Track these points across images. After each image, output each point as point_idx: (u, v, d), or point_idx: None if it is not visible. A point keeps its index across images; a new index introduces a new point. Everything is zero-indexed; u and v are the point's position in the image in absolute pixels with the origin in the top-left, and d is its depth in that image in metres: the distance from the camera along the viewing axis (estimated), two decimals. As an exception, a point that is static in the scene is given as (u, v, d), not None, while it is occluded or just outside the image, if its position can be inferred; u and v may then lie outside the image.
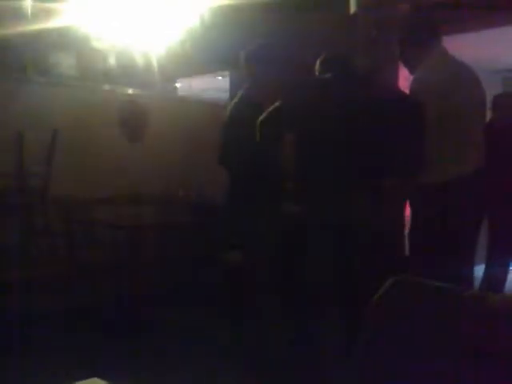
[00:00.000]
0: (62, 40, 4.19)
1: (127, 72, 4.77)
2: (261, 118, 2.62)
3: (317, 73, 2.83)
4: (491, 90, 4.39)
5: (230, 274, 3.25)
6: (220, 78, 7.50)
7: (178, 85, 6.45)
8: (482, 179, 2.77)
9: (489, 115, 4.40)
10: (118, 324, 3.74)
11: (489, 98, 4.28)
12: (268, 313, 3.25)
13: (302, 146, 2.54)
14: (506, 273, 4.41)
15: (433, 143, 2.55)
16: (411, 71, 2.80)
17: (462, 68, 2.74)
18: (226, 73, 6.61)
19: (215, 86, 8.04)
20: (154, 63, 4.66)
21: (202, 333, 3.65)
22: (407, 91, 2.80)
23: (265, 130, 2.62)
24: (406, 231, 2.86)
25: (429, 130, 2.53)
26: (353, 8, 3.84)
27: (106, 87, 4.67)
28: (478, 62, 3.07)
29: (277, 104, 2.60)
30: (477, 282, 4.48)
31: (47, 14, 3.82)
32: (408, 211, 2.86)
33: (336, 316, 2.66)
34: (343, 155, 2.49)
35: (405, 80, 3.31)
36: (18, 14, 3.89)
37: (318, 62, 2.82)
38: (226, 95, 6.65)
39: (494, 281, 4.39)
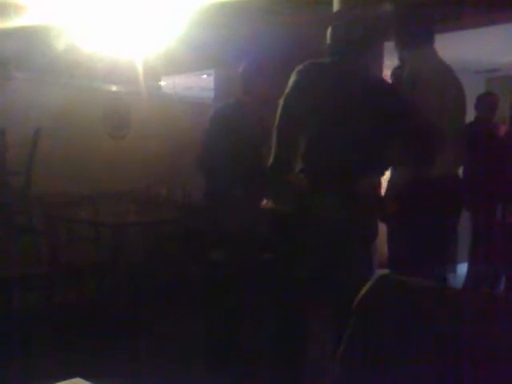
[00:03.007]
0: (46, 37, 4.15)
1: (111, 70, 4.74)
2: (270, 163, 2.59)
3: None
4: (474, 90, 4.44)
5: (213, 273, 3.24)
6: (205, 76, 7.49)
7: (162, 83, 6.42)
8: (459, 180, 2.80)
9: (473, 114, 4.46)
10: (101, 323, 3.72)
11: (472, 99, 4.33)
12: (252, 311, 3.26)
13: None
14: (488, 270, 4.46)
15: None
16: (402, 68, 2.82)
17: (445, 71, 2.76)
18: (211, 71, 6.60)
19: (200, 84, 8.03)
20: (139, 61, 4.64)
21: (184, 333, 3.65)
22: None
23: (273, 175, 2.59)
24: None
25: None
26: (336, 6, 3.85)
27: (90, 85, 4.64)
28: (462, 63, 3.09)
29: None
30: (460, 280, 4.54)
31: (31, 10, 3.78)
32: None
33: (321, 314, 2.66)
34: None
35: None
36: (1, 10, 3.84)
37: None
38: (210, 94, 6.64)
39: (476, 278, 4.44)
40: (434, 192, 2.57)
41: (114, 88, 4.80)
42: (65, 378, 1.24)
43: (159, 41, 4.43)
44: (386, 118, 2.44)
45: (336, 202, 2.38)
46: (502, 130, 4.57)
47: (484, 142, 4.18)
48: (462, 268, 4.57)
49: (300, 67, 2.49)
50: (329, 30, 2.58)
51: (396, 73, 3.05)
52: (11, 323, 3.38)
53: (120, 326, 3.73)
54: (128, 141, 4.75)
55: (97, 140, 4.48)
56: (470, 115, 4.15)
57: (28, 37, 4.04)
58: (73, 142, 4.23)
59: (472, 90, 3.57)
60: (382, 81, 2.74)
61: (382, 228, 2.67)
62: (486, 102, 4.49)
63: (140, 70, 4.70)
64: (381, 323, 1.41)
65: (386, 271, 2.57)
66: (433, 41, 2.73)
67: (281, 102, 2.49)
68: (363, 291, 1.42)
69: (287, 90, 2.48)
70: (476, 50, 5.07)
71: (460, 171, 3.08)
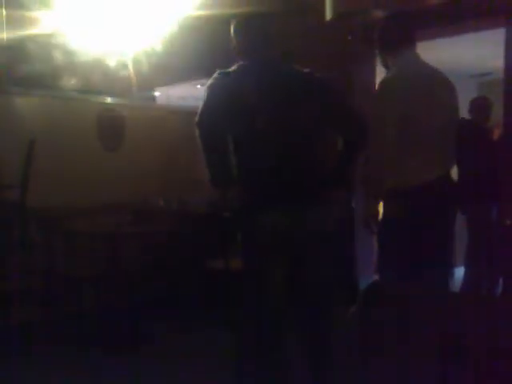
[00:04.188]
0: (38, 49, 4.15)
1: (105, 81, 4.74)
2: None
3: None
4: (466, 94, 4.46)
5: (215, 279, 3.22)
6: (199, 86, 7.48)
7: (156, 93, 6.42)
8: (449, 183, 2.80)
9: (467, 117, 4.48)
10: (100, 335, 3.70)
11: (465, 103, 4.35)
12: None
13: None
14: (484, 274, 4.45)
15: (397, 147, 2.57)
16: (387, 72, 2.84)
17: (431, 73, 2.78)
18: (205, 81, 6.60)
19: (194, 94, 8.01)
20: (132, 72, 4.65)
21: (184, 343, 3.64)
22: None
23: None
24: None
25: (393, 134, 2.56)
26: (329, 15, 3.87)
27: (84, 97, 4.63)
28: (454, 67, 3.11)
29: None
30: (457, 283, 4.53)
31: (22, 22, 3.78)
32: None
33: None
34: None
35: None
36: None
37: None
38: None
39: (474, 281, 4.43)
40: (424, 193, 2.58)
41: (107, 99, 4.79)
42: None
43: (152, 51, 4.45)
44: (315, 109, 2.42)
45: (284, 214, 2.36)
46: (496, 132, 4.59)
47: (477, 144, 4.19)
48: (460, 271, 4.57)
49: (210, 81, 2.48)
50: (237, 28, 2.54)
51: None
52: (9, 337, 3.36)
53: (120, 337, 3.72)
54: (123, 151, 4.75)
55: (91, 152, 4.47)
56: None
57: (20, 48, 4.04)
58: (67, 154, 4.22)
59: (465, 94, 3.58)
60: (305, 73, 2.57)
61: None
62: (479, 105, 4.52)
63: (133, 80, 4.71)
64: (377, 328, 1.41)
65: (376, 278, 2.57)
66: (414, 45, 2.76)
67: (197, 118, 2.48)
68: (358, 301, 1.42)
69: (202, 107, 2.45)
70: (468, 55, 5.10)
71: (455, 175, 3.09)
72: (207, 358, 3.29)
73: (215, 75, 2.49)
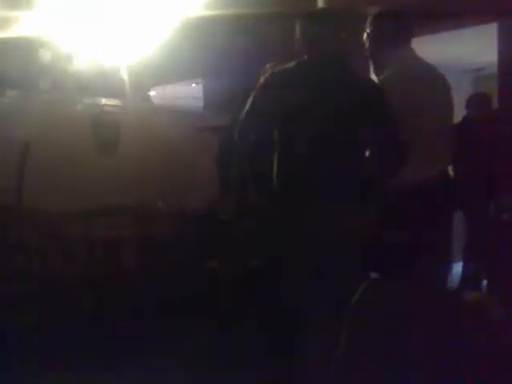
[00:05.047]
0: (31, 51, 4.13)
1: (99, 82, 4.72)
2: None
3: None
4: (462, 90, 4.47)
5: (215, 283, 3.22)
6: (194, 85, 7.48)
7: (151, 93, 6.40)
8: (448, 180, 2.80)
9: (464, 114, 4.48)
10: (99, 340, 3.68)
11: (459, 98, 4.35)
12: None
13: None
14: (482, 270, 4.45)
15: None
16: (377, 72, 2.82)
17: (428, 69, 2.77)
18: (199, 80, 6.59)
19: (189, 93, 8.01)
20: (127, 72, 4.63)
21: (187, 347, 3.62)
22: None
23: None
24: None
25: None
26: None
27: (78, 98, 4.61)
28: (449, 63, 3.11)
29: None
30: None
31: (14, 23, 3.76)
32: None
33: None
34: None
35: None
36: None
37: None
38: (200, 102, 6.63)
39: (470, 278, 4.43)
40: (422, 191, 2.58)
41: (103, 101, 4.77)
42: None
43: (147, 51, 4.43)
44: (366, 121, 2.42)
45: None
46: (492, 127, 4.59)
47: (474, 141, 4.20)
48: (457, 267, 4.57)
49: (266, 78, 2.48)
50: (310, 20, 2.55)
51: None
52: (5, 342, 3.34)
53: (119, 343, 3.69)
54: (119, 153, 4.72)
55: (86, 154, 4.44)
56: (459, 115, 4.16)
57: (12, 51, 4.03)
58: (62, 157, 4.20)
59: (459, 89, 3.59)
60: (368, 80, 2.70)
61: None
62: (477, 101, 4.52)
63: (128, 81, 4.69)
64: (376, 325, 1.40)
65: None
66: (410, 41, 2.75)
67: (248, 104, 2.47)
68: (354, 298, 1.42)
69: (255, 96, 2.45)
70: (464, 50, 5.09)
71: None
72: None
73: (269, 71, 2.49)
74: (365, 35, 2.82)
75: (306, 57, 2.50)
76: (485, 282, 4.44)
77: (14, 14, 3.69)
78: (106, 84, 4.72)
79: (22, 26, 3.74)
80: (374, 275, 2.52)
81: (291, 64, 2.49)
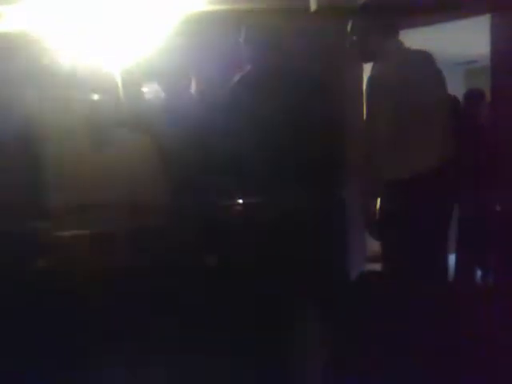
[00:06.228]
0: (22, 47, 4.12)
1: (91, 78, 4.71)
2: None
3: None
4: (453, 83, 4.48)
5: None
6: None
7: (144, 89, 6.38)
8: (446, 173, 2.81)
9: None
10: (101, 341, 3.67)
11: (450, 91, 4.36)
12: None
13: None
14: (475, 262, 4.48)
15: (393, 139, 2.58)
16: (364, 61, 2.82)
17: (422, 59, 2.78)
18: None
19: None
20: (120, 68, 4.61)
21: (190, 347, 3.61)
22: None
23: None
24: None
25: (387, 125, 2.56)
26: (313, 6, 3.86)
27: (72, 93, 4.59)
28: (440, 55, 3.12)
29: None
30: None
31: (6, 18, 3.74)
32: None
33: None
34: None
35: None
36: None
37: None
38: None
39: (464, 270, 4.46)
40: (421, 184, 2.59)
41: (95, 96, 4.75)
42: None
43: (141, 48, 4.43)
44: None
45: None
46: (486, 120, 4.62)
47: (469, 133, 4.22)
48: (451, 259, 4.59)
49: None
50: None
51: None
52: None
53: (122, 342, 3.69)
54: (114, 149, 4.71)
55: (80, 150, 4.43)
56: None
57: (4, 46, 4.02)
58: (56, 153, 4.19)
59: (451, 82, 3.60)
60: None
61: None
62: (472, 97, 4.55)
63: (121, 77, 4.68)
64: (369, 318, 1.41)
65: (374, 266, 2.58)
66: (398, 33, 2.76)
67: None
68: (348, 288, 1.43)
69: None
70: (455, 42, 5.11)
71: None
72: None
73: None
74: (350, 27, 2.82)
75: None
76: (479, 272, 4.47)
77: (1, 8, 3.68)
78: (97, 80, 4.70)
79: (9, 20, 3.73)
80: (370, 267, 2.54)
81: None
